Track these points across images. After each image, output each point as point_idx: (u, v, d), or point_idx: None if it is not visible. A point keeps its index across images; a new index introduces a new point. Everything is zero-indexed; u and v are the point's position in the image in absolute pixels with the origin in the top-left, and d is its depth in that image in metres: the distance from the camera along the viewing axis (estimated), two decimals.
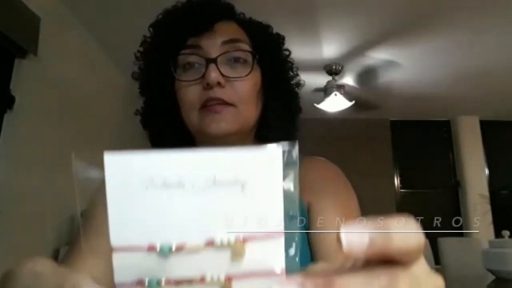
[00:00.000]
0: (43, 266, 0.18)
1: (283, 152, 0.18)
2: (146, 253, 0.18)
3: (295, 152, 0.18)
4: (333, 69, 2.05)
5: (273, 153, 0.18)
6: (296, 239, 0.19)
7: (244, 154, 0.18)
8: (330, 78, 2.10)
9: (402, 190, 3.07)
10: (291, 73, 0.54)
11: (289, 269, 0.18)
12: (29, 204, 1.39)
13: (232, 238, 0.18)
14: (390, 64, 2.03)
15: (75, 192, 0.18)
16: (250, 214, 0.18)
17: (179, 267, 0.18)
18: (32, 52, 1.48)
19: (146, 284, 0.18)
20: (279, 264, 0.18)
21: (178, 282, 0.18)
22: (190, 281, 0.18)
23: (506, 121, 2.87)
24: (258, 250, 0.18)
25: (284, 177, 0.18)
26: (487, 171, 2.76)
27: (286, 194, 0.18)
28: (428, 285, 0.19)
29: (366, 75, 2.15)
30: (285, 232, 0.18)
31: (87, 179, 0.18)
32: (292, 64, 0.55)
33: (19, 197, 1.34)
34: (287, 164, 0.18)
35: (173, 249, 0.18)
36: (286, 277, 0.18)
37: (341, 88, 2.16)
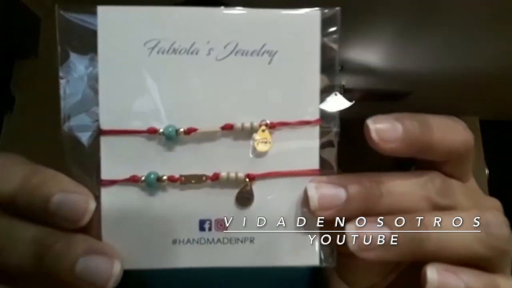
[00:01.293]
0: (9, 158, 0.14)
1: (323, 17, 0.14)
2: (144, 138, 0.14)
3: (337, 21, 0.15)
4: None
5: (311, 17, 0.14)
6: (334, 131, 0.15)
7: (275, 16, 0.15)
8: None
9: None
10: None
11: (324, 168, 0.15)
12: None
13: (256, 122, 0.14)
14: (390, 63, 2.04)
15: (58, 54, 0.14)
16: (279, 94, 0.15)
17: (187, 159, 0.14)
18: (32, 52, 1.48)
19: (142, 179, 0.14)
20: (314, 158, 0.15)
21: (185, 179, 0.14)
22: (200, 178, 0.14)
23: (506, 121, 2.88)
24: (287, 139, 0.15)
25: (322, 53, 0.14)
26: (487, 171, 2.74)
27: (323, 72, 0.15)
28: (485, 202, 0.16)
29: (366, 75, 2.16)
30: (321, 120, 0.15)
31: (74, 26, 0.14)
32: None
33: None
34: (326, 35, 0.15)
35: (181, 132, 0.14)
36: (322, 174, 0.15)
37: (341, 88, 2.17)
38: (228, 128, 0.14)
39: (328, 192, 0.14)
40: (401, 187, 0.14)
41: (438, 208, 0.14)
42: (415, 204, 0.14)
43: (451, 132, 0.14)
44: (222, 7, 0.14)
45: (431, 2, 1.42)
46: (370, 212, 0.14)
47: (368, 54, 1.95)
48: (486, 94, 2.29)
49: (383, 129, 0.13)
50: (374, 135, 0.13)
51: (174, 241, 0.14)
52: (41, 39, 1.49)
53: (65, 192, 0.13)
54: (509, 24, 1.52)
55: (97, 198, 0.14)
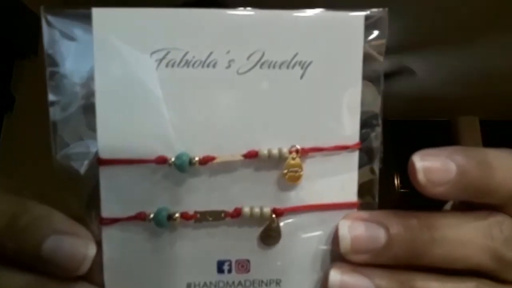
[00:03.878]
0: None
1: (367, 21, 0.12)
2: (152, 169, 0.12)
3: (384, 23, 0.12)
4: None
5: (352, 21, 0.12)
6: (376, 158, 0.13)
7: (309, 19, 0.12)
8: None
9: (402, 190, 3.08)
10: None
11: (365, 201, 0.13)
12: None
13: (285, 147, 0.12)
14: (390, 64, 2.02)
15: (45, 68, 0.12)
16: (313, 114, 0.12)
17: (202, 193, 0.12)
18: (32, 52, 1.47)
19: (151, 217, 0.12)
20: (352, 189, 0.13)
21: (200, 216, 0.12)
22: (218, 215, 0.12)
23: (506, 121, 2.89)
24: (321, 168, 0.12)
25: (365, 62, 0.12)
26: None
27: (366, 86, 0.12)
28: None
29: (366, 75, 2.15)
30: (362, 145, 0.12)
31: (62, 41, 0.12)
32: None
33: None
34: (372, 41, 0.12)
35: (195, 162, 0.12)
36: (360, 210, 0.13)
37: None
38: (252, 156, 0.12)
39: (364, 232, 0.11)
40: (460, 234, 0.11)
41: (504, 263, 0.11)
42: (475, 256, 0.11)
43: None
44: (246, 8, 0.12)
45: (432, 3, 1.40)
46: (416, 262, 0.11)
47: None
48: (486, 94, 2.29)
49: (432, 168, 0.11)
50: (420, 176, 0.11)
51: (189, 286, 0.12)
52: (41, 39, 1.48)
53: (60, 234, 0.11)
54: (509, 23, 1.51)
55: (98, 239, 0.12)
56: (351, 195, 0.13)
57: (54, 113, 0.12)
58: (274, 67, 0.12)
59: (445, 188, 0.11)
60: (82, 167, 0.12)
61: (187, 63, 0.12)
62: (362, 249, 0.11)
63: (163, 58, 0.12)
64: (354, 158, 0.13)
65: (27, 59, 1.51)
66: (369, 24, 0.12)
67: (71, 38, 0.12)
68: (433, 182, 0.11)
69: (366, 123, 0.13)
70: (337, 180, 0.13)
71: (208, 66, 0.12)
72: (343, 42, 0.12)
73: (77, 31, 0.12)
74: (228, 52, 0.12)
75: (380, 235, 0.11)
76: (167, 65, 0.12)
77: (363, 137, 0.13)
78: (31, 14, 1.48)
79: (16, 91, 1.45)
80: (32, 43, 1.53)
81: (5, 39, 1.38)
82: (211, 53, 0.12)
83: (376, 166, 0.13)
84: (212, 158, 0.12)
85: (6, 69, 1.47)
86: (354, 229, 0.12)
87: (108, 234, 0.12)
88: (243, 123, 0.12)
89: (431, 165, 0.11)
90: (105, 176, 0.12)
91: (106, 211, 0.12)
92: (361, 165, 0.13)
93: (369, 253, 0.11)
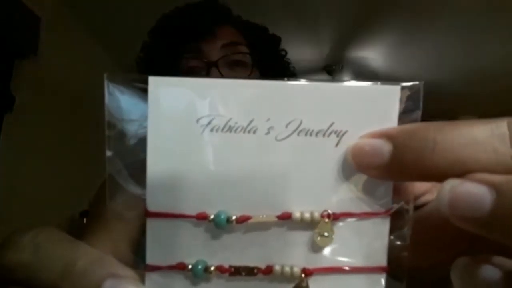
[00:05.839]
0: (49, 237, 0.13)
1: (403, 94, 0.13)
2: (193, 224, 0.13)
3: (419, 96, 0.13)
4: (333, 69, 2.06)
5: (388, 93, 0.13)
6: (406, 227, 0.13)
7: (345, 90, 0.13)
8: (330, 78, 2.11)
9: None
10: (288, 72, 0.56)
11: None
12: (29, 205, 1.38)
13: (317, 212, 0.13)
14: (390, 63, 2.03)
15: (105, 128, 0.13)
16: (346, 181, 0.13)
17: (237, 249, 0.13)
18: (32, 52, 1.46)
19: (189, 268, 0.13)
20: (381, 254, 0.13)
21: (234, 270, 0.13)
22: (251, 270, 0.13)
23: None
24: (352, 232, 0.13)
25: None
26: None
27: None
28: None
29: (366, 75, 2.16)
30: (393, 212, 0.13)
31: (122, 109, 0.13)
32: (289, 64, 0.56)
33: (19, 197, 1.33)
34: (406, 113, 0.13)
35: (233, 220, 0.13)
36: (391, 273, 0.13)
37: None
38: (285, 218, 0.13)
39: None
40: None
41: None
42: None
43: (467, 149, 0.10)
44: (285, 81, 0.13)
45: (432, 2, 1.41)
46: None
47: (369, 54, 1.94)
48: (486, 94, 2.30)
49: (363, 151, 0.11)
50: (349, 157, 0.12)
51: None
52: (41, 39, 1.47)
53: (115, 277, 0.12)
54: (509, 23, 1.51)
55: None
56: (381, 260, 0.13)
57: (110, 166, 0.13)
58: (310, 135, 0.13)
59: (378, 172, 0.11)
60: (132, 217, 0.13)
61: (230, 129, 0.13)
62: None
63: (209, 123, 0.13)
64: (384, 224, 0.13)
65: (27, 59, 1.51)
66: (404, 96, 0.13)
67: (129, 101, 0.13)
68: (362, 166, 0.12)
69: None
70: (367, 244, 0.13)
71: (249, 132, 0.13)
72: (379, 112, 0.13)
73: (135, 95, 0.13)
74: (268, 119, 0.13)
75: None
76: (211, 130, 0.13)
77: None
78: (31, 14, 1.48)
79: (16, 91, 1.45)
80: (32, 43, 1.52)
81: (5, 39, 1.37)
82: (252, 120, 0.13)
83: (407, 233, 0.13)
84: (248, 218, 0.13)
85: (6, 69, 1.47)
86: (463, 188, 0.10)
87: (151, 280, 0.13)
88: (279, 186, 0.13)
89: (361, 147, 0.12)
90: (151, 227, 0.13)
91: (151, 258, 0.13)
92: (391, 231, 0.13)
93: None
